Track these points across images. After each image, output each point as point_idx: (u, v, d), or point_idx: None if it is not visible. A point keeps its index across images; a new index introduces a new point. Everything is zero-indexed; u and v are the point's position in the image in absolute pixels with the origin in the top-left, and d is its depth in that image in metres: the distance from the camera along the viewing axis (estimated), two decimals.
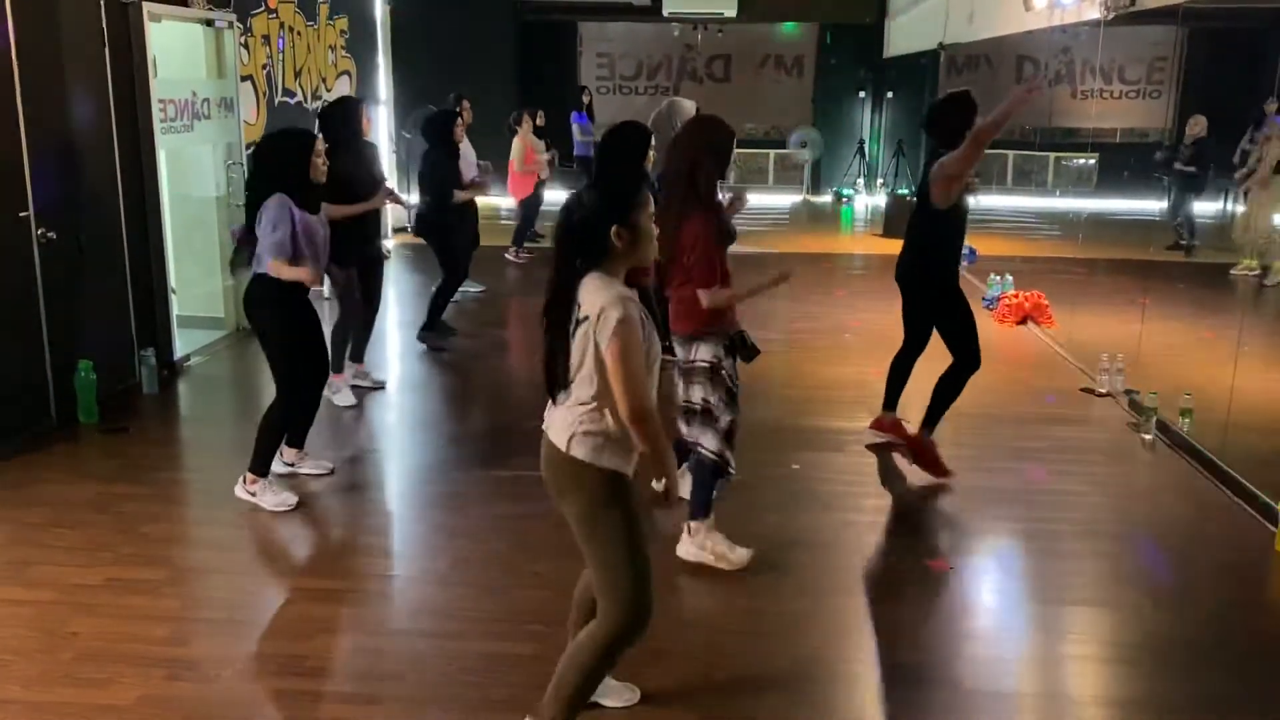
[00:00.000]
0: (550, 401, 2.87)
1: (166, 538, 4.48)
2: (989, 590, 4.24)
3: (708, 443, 4.08)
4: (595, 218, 2.73)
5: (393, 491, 5.26)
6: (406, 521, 4.85)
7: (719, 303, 3.98)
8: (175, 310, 6.89)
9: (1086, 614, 4.01)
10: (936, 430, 5.23)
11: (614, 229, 2.72)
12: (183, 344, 6.97)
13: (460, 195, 7.47)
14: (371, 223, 6.20)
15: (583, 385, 2.75)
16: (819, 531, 4.65)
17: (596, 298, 2.69)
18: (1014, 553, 4.51)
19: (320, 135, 4.94)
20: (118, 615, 3.79)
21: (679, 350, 4.15)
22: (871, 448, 5.48)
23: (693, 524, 4.21)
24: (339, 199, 5.42)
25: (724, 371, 4.08)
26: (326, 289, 5.15)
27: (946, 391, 5.15)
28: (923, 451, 5.24)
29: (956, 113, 4.90)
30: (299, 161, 4.57)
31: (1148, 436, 5.79)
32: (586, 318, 2.70)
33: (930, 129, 5.13)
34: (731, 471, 4.16)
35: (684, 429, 4.17)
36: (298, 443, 5.15)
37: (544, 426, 2.89)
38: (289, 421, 4.91)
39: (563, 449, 2.77)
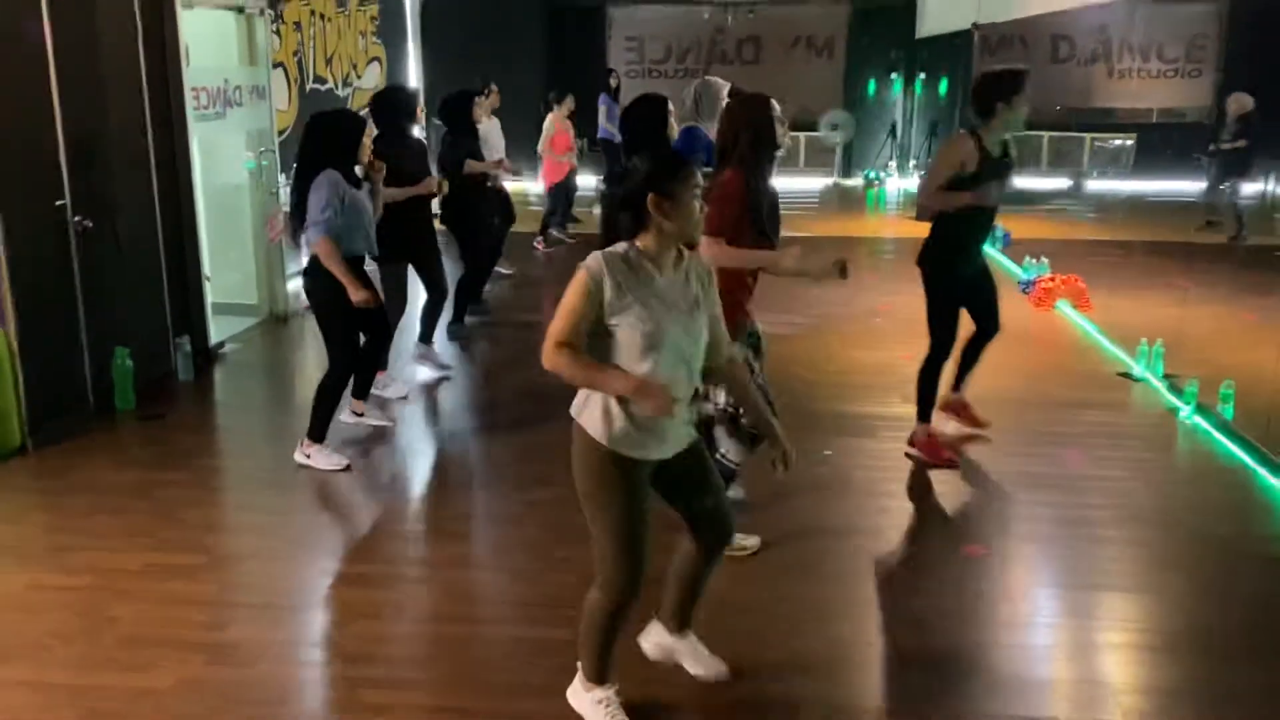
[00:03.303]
0: None
1: (204, 524, 4.53)
2: (1026, 576, 4.20)
3: (732, 454, 4.03)
4: (636, 187, 2.75)
5: (424, 478, 5.28)
6: (438, 507, 4.87)
7: (717, 255, 3.63)
8: (209, 297, 6.94)
9: (1125, 601, 3.96)
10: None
11: (650, 197, 2.71)
12: (217, 330, 7.02)
13: (474, 166, 7.14)
14: (422, 216, 6.18)
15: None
16: (853, 517, 4.62)
17: None
18: (1051, 538, 4.46)
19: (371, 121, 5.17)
20: (157, 600, 3.84)
21: None
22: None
23: None
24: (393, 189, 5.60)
25: (754, 374, 3.92)
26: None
27: (923, 383, 5.19)
28: (919, 444, 5.24)
29: (996, 86, 4.84)
30: (353, 138, 4.88)
31: (1187, 421, 5.71)
32: None
33: (973, 98, 4.98)
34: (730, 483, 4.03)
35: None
36: (362, 394, 5.48)
37: None
38: (341, 388, 5.12)
39: (576, 418, 2.87)
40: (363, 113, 5.79)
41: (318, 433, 5.07)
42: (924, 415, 5.24)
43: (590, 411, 2.83)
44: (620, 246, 2.77)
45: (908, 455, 5.24)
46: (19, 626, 3.66)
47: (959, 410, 5.53)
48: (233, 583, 4.04)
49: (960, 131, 4.92)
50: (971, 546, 4.34)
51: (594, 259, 2.73)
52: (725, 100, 5.18)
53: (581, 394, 2.87)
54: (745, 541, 4.16)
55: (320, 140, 4.89)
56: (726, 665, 3.33)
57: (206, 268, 6.94)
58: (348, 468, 5.03)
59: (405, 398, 6.11)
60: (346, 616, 3.83)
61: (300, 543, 4.41)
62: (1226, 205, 11.30)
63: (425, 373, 6.56)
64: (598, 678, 3.06)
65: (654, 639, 3.37)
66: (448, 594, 3.97)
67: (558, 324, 2.73)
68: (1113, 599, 3.97)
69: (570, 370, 2.73)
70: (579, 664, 3.11)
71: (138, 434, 5.61)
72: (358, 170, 5.04)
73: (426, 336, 6.66)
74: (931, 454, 5.19)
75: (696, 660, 3.32)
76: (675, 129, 5.13)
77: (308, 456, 5.05)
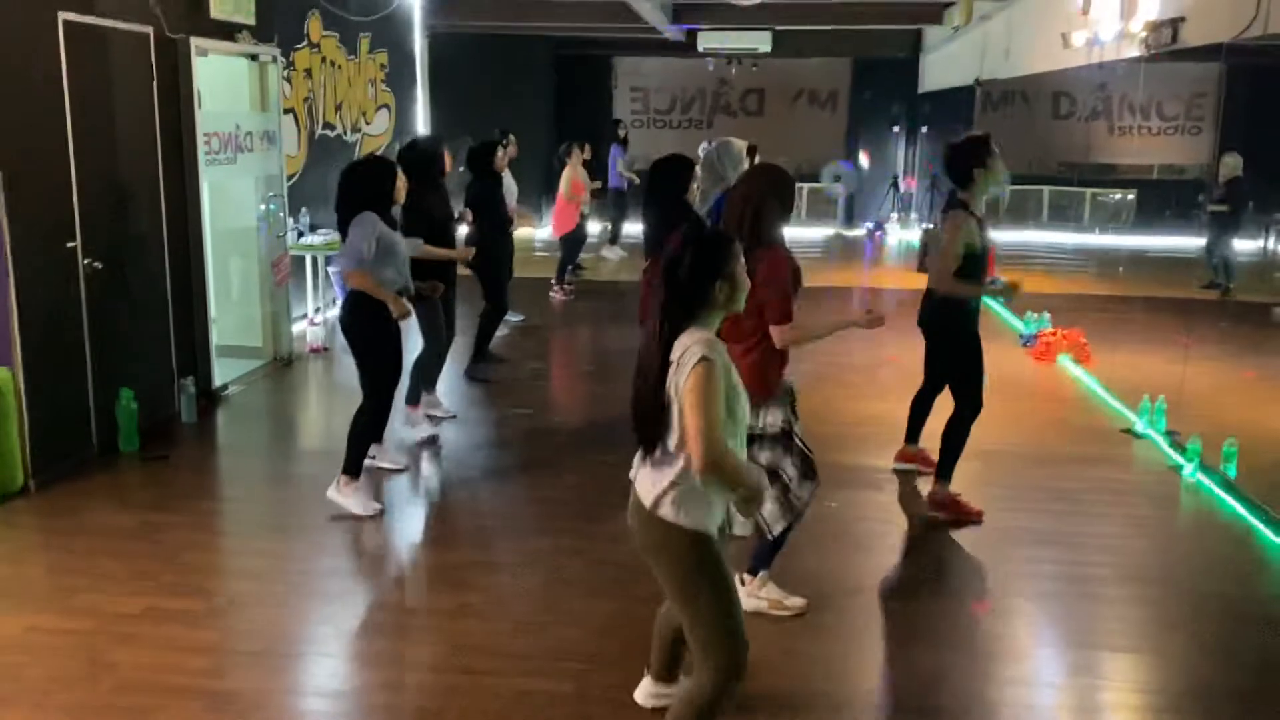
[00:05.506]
0: (641, 451, 2.88)
1: (206, 567, 4.52)
2: (1029, 634, 4.18)
3: (767, 513, 3.91)
4: (700, 274, 2.77)
5: (429, 524, 5.27)
6: (443, 555, 4.85)
7: (791, 339, 3.87)
8: (214, 339, 6.97)
9: (1128, 660, 3.95)
10: (968, 469, 5.18)
11: (716, 283, 2.77)
12: (221, 373, 7.04)
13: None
14: (450, 265, 6.32)
15: (670, 434, 2.76)
16: (856, 572, 4.60)
17: (684, 341, 2.73)
18: (1054, 596, 4.44)
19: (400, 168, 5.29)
20: (157, 646, 3.82)
21: None
22: (899, 472, 5.72)
23: (748, 576, 4.14)
24: (424, 236, 5.71)
25: (796, 436, 3.96)
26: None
27: (955, 440, 5.12)
28: (944, 504, 5.16)
29: (969, 154, 5.00)
30: (387, 183, 5.07)
31: (1190, 479, 5.71)
32: (671, 363, 2.73)
33: (947, 170, 5.17)
34: (783, 545, 4.07)
35: None
36: (376, 438, 5.49)
37: (632, 476, 2.93)
38: (379, 424, 5.23)
39: (648, 508, 2.80)
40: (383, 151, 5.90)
41: (354, 468, 5.06)
42: (946, 474, 5.16)
43: (688, 505, 2.77)
44: (705, 331, 2.76)
45: (932, 519, 5.14)
46: (18, 670, 3.64)
47: (921, 459, 5.66)
48: (233, 629, 4.01)
49: (958, 213, 4.94)
50: (976, 603, 4.32)
51: (706, 348, 2.68)
52: (744, 159, 5.34)
53: (662, 488, 2.79)
54: (788, 601, 4.15)
55: (356, 188, 5.04)
56: None
57: (212, 310, 6.97)
58: (380, 513, 5.05)
59: (404, 468, 5.77)
60: (348, 665, 3.81)
61: (302, 589, 4.39)
62: (1219, 260, 11.53)
63: (422, 430, 6.30)
64: None
65: (646, 689, 3.42)
66: (451, 644, 3.94)
67: (713, 431, 2.63)
68: (1116, 659, 3.95)
69: (734, 476, 2.69)
70: None
71: (141, 476, 5.61)
72: (394, 212, 5.21)
73: (430, 385, 6.63)
74: (962, 512, 5.12)
75: None
76: (695, 193, 5.25)
77: (342, 495, 5.04)
